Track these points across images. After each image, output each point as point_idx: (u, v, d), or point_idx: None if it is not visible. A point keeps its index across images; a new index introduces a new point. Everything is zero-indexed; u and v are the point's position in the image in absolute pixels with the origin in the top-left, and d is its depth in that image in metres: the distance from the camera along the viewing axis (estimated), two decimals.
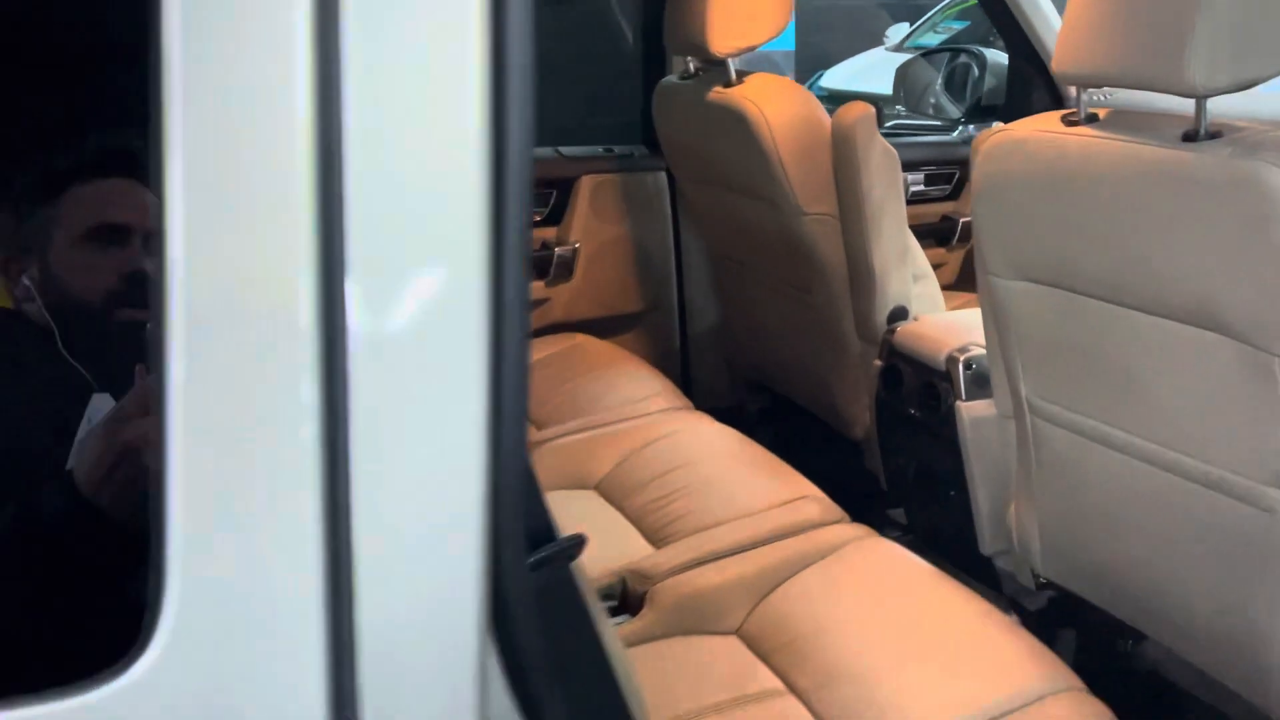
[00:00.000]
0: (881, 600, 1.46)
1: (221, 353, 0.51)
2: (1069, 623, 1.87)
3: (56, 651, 0.59)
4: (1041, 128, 1.44)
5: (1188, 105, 1.25)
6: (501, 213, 0.55)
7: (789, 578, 1.52)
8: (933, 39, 7.23)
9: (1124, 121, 1.36)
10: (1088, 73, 1.33)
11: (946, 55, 3.42)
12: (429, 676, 0.56)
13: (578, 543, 0.80)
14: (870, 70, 6.91)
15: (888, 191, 1.98)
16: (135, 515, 0.64)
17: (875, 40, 7.85)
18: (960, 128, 3.13)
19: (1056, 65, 1.37)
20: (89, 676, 0.49)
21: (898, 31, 7.83)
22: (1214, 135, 1.23)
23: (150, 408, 0.62)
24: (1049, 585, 1.75)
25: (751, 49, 2.04)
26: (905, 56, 6.51)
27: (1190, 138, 1.24)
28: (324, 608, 0.52)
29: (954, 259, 2.88)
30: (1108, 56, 1.28)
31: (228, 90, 0.50)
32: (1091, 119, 1.39)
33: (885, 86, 3.97)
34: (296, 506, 0.52)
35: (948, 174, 2.89)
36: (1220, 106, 1.25)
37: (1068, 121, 1.41)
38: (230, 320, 0.51)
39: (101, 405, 0.72)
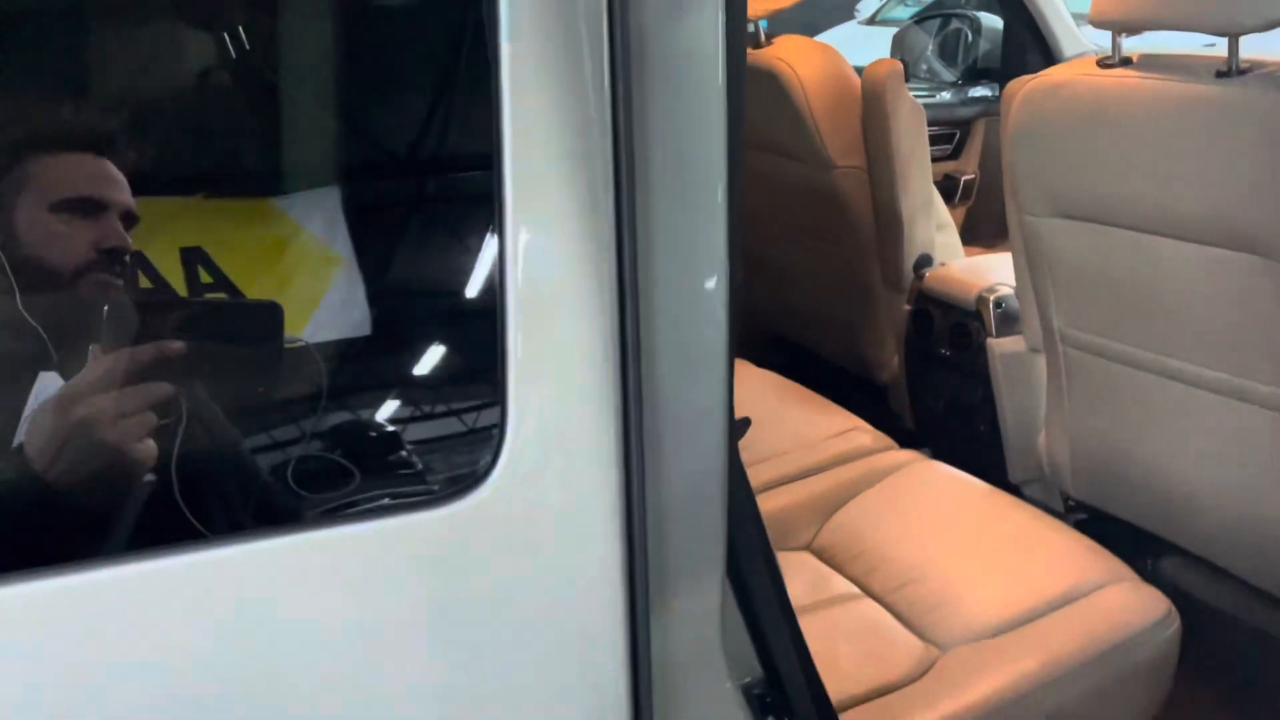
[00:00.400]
0: (941, 513, 1.58)
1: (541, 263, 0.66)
2: None
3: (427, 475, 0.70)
4: (1078, 72, 1.55)
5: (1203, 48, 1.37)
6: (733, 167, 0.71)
7: (852, 498, 1.64)
8: (903, 12, 7.34)
9: (1157, 63, 1.48)
10: (1126, 17, 1.45)
11: (938, 21, 3.54)
12: (689, 509, 0.69)
13: (746, 422, 0.92)
14: (844, 45, 7.03)
15: (915, 144, 2.09)
16: (89, 490, 0.67)
17: (845, 15, 7.96)
18: (939, 94, 3.25)
19: (1094, 14, 1.49)
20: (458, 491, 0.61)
21: (868, 5, 7.96)
22: (1244, 71, 1.35)
23: (105, 386, 0.66)
24: (1078, 507, 1.88)
25: (781, 10, 2.14)
26: (878, 30, 6.63)
27: (1223, 74, 1.36)
28: (617, 459, 0.64)
29: (957, 215, 3.01)
30: (1146, 0, 1.39)
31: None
32: (1125, 62, 1.51)
33: (860, 59, 4.09)
34: (598, 385, 0.65)
35: (949, 134, 3.01)
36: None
37: (1103, 65, 1.52)
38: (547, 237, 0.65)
39: (48, 383, 0.71)
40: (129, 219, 0.76)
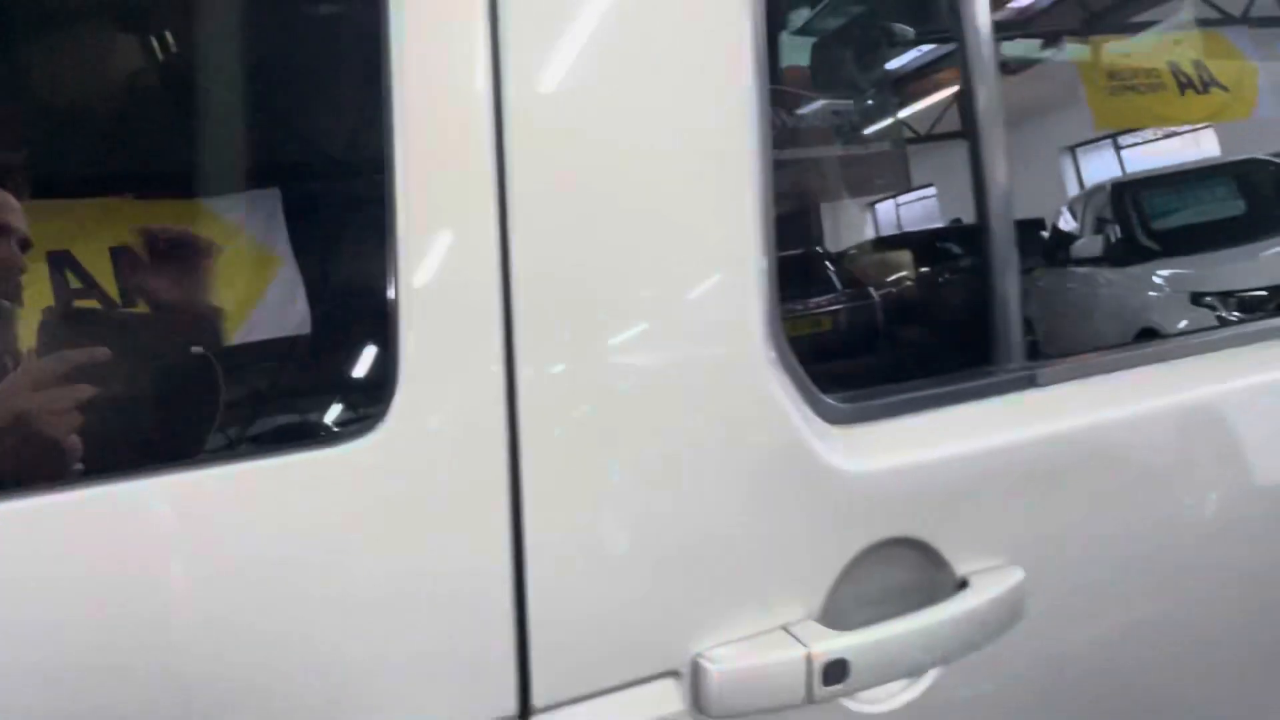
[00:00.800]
0: None
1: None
2: None
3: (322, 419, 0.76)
4: None
5: None
6: None
7: None
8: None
9: None
10: None
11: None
12: None
13: None
14: None
15: None
16: (26, 474, 0.72)
17: None
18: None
19: None
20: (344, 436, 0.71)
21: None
22: None
23: (37, 385, 0.73)
24: None
25: None
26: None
27: None
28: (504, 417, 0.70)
29: None
30: None
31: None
32: None
33: None
34: (483, 350, 0.72)
35: None
36: None
37: None
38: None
39: None
40: (24, 244, 0.82)
